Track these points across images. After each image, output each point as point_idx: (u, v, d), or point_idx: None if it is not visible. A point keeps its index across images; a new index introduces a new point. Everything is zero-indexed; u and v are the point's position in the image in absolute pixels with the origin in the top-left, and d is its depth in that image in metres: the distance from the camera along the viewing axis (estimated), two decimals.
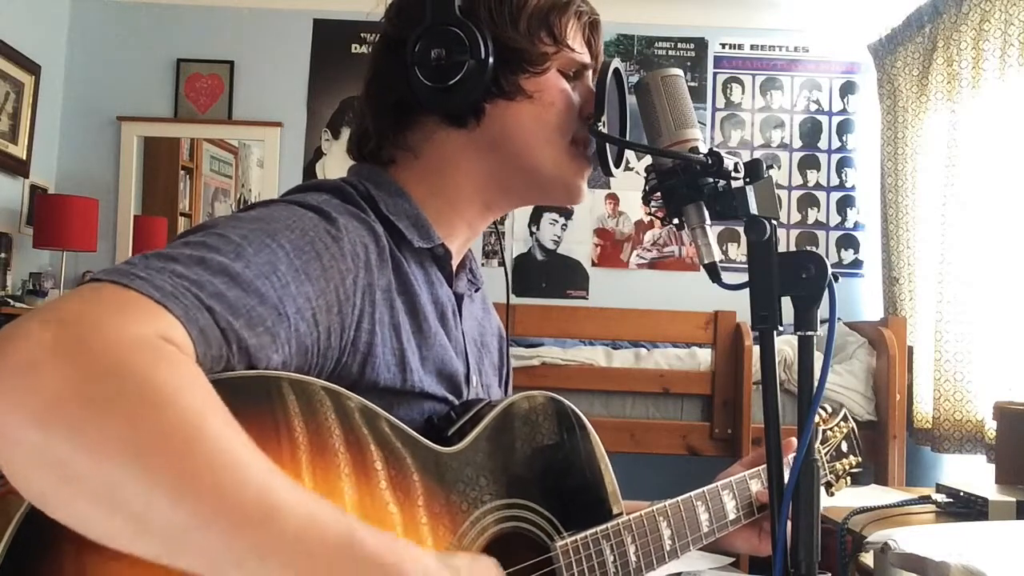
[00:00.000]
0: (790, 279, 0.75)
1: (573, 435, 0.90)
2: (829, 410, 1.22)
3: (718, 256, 0.80)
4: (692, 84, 3.92)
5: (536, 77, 0.87)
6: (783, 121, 3.96)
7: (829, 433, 1.21)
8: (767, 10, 3.87)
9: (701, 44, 3.98)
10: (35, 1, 3.72)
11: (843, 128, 3.94)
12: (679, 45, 3.98)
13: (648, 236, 3.92)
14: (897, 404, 2.85)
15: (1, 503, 0.54)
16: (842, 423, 1.23)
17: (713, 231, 0.80)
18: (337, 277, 0.73)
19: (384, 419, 0.73)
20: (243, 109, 3.94)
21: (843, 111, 3.95)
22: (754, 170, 0.78)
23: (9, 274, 3.51)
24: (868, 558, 1.67)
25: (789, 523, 0.73)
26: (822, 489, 1.18)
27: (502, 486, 0.81)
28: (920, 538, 1.42)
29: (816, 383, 0.73)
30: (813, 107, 3.95)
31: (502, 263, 1.72)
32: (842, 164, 3.93)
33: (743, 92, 3.97)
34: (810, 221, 3.90)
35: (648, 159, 0.85)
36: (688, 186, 0.80)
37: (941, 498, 1.92)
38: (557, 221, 3.92)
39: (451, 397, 0.85)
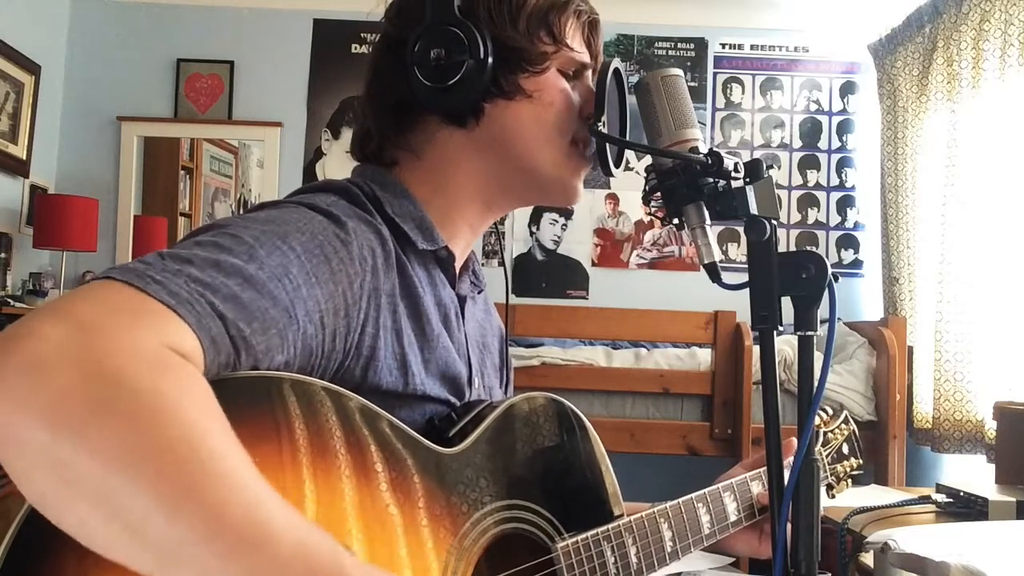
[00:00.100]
0: (790, 279, 0.75)
1: (574, 436, 0.90)
2: (830, 412, 1.22)
3: (718, 256, 0.80)
4: (692, 84, 3.92)
5: (535, 76, 0.87)
6: (783, 121, 3.96)
7: (830, 435, 1.21)
8: (767, 10, 3.87)
9: (701, 44, 3.98)
10: (35, 1, 3.72)
11: (843, 128, 3.94)
12: (679, 45, 3.98)
13: (648, 236, 3.92)
14: (897, 404, 2.85)
15: (1, 505, 0.54)
16: (843, 425, 1.23)
17: (713, 231, 0.80)
18: (345, 281, 0.73)
19: (385, 420, 0.73)
20: (243, 109, 3.94)
21: (843, 111, 3.95)
22: (754, 170, 0.78)
23: (9, 274, 3.51)
24: (868, 558, 1.67)
25: (789, 524, 0.73)
26: (823, 490, 1.18)
27: (503, 487, 0.81)
28: (920, 538, 1.42)
29: (816, 383, 0.73)
30: (813, 107, 3.95)
31: (502, 263, 1.72)
32: (842, 164, 3.93)
33: (743, 92, 3.97)
34: (810, 221, 3.90)
35: (648, 159, 0.85)
36: (688, 186, 0.79)
37: (941, 498, 1.92)
38: (557, 221, 3.92)
39: (453, 399, 0.86)
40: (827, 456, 1.20)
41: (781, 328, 0.75)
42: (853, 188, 3.92)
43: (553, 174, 0.90)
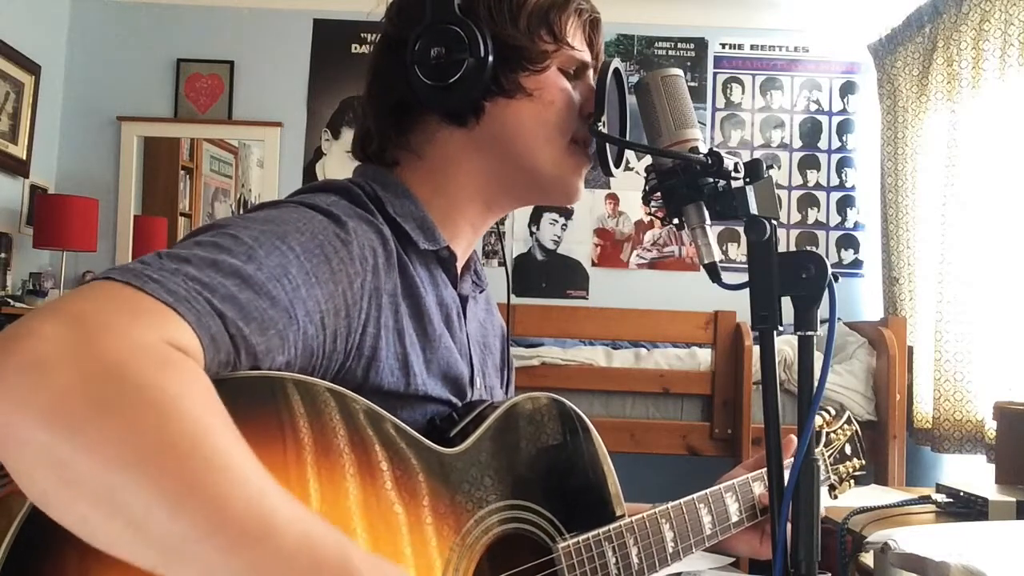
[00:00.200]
0: (790, 279, 0.75)
1: (576, 437, 0.90)
2: (833, 412, 1.22)
3: (718, 256, 0.80)
4: (692, 84, 3.92)
5: (536, 75, 0.87)
6: (783, 121, 3.96)
7: (833, 436, 1.20)
8: (767, 10, 3.87)
9: (701, 44, 3.98)
10: (35, 1, 3.72)
11: (843, 128, 3.94)
12: (679, 45, 3.98)
13: (648, 236, 3.92)
14: (897, 404, 2.85)
15: (3, 504, 0.54)
16: (846, 426, 1.22)
17: (713, 231, 0.80)
18: (345, 281, 0.73)
19: (388, 420, 0.73)
20: (243, 109, 3.94)
21: (843, 111, 3.95)
22: (754, 170, 0.78)
23: (9, 274, 3.51)
24: (868, 558, 1.67)
25: (789, 524, 0.73)
26: (825, 491, 1.18)
27: (504, 487, 0.81)
28: (920, 538, 1.42)
29: (816, 383, 0.73)
30: (813, 107, 3.95)
31: (502, 263, 1.72)
32: (842, 164, 3.93)
33: (743, 92, 3.97)
34: (810, 221, 3.90)
35: (648, 159, 0.85)
36: (688, 186, 0.79)
37: (941, 498, 1.92)
38: (557, 221, 3.92)
39: (455, 399, 0.86)
40: (830, 456, 1.19)
41: (781, 328, 0.75)
42: (853, 188, 3.92)
43: (554, 173, 0.90)
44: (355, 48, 3.94)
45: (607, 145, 0.88)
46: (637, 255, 3.92)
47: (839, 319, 2.20)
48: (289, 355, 0.67)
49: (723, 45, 3.98)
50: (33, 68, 3.60)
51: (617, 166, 0.91)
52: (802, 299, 0.75)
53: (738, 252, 3.84)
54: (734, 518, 1.04)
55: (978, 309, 2.75)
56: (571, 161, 0.90)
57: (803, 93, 3.96)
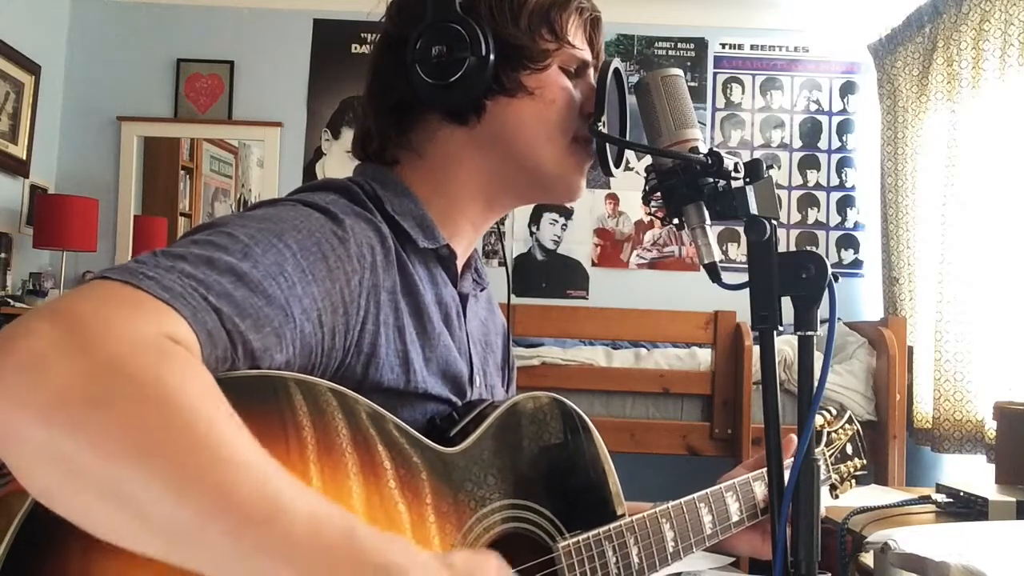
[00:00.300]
0: (790, 279, 0.75)
1: (576, 436, 0.90)
2: (834, 412, 1.22)
3: (718, 256, 0.80)
4: (692, 84, 3.92)
5: (537, 74, 0.87)
6: (783, 121, 3.96)
7: (834, 435, 1.20)
8: (767, 10, 3.87)
9: (701, 44, 3.98)
10: (35, 1, 3.72)
11: (843, 128, 3.94)
12: (679, 45, 3.98)
13: (648, 236, 3.93)
14: (897, 404, 2.85)
15: (3, 502, 0.54)
16: (847, 425, 1.22)
17: (713, 231, 0.80)
18: (343, 278, 0.73)
19: (390, 420, 0.73)
20: (243, 109, 3.94)
21: (843, 111, 3.95)
22: (754, 170, 0.78)
23: (9, 274, 3.51)
24: (868, 558, 1.67)
25: (789, 524, 0.73)
26: (826, 491, 1.18)
27: (505, 486, 0.81)
28: (920, 538, 1.42)
29: (816, 383, 0.73)
30: (813, 107, 3.96)
31: (502, 263, 1.72)
32: (842, 164, 3.93)
33: (743, 92, 3.97)
34: (810, 221, 3.91)
35: (648, 159, 0.85)
36: (688, 186, 0.80)
37: (941, 498, 1.92)
38: (557, 221, 3.92)
39: (454, 398, 0.86)
40: (831, 456, 1.19)
41: (781, 328, 0.75)
42: (853, 188, 3.92)
43: (555, 171, 0.90)
44: (355, 48, 3.94)
45: (607, 145, 0.88)
46: (637, 255, 3.92)
47: (839, 319, 2.20)
48: (288, 353, 0.67)
49: (723, 45, 3.98)
50: (33, 68, 3.60)
51: (617, 166, 0.91)
52: (802, 299, 0.75)
53: (738, 252, 3.84)
54: (734, 518, 1.04)
55: (978, 309, 2.75)
56: (572, 159, 0.90)
57: (803, 93, 3.96)
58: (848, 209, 3.91)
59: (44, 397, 0.50)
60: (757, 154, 3.90)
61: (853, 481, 1.23)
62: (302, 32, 3.95)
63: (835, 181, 3.92)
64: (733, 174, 0.78)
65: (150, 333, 0.55)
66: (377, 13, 0.94)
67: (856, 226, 3.90)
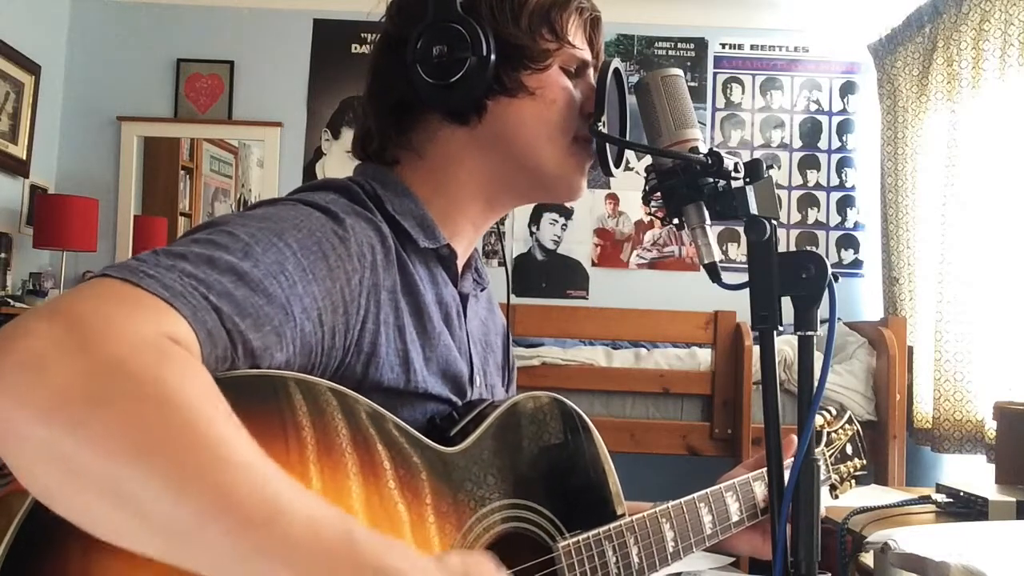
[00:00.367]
0: (790, 279, 0.75)
1: (577, 436, 0.90)
2: (834, 412, 1.21)
3: (718, 256, 0.80)
4: (692, 84, 3.92)
5: (538, 74, 0.87)
6: (783, 121, 3.96)
7: (834, 435, 1.20)
8: (767, 10, 3.87)
9: (701, 44, 3.98)
10: (35, 1, 3.72)
11: (843, 128, 3.94)
12: (679, 45, 3.98)
13: (648, 236, 3.92)
14: (897, 404, 2.85)
15: (3, 502, 0.54)
16: (847, 425, 1.22)
17: (713, 231, 0.80)
18: (343, 278, 0.73)
19: (390, 420, 0.73)
20: (243, 109, 3.94)
21: (843, 111, 3.95)
22: (754, 170, 0.78)
23: (9, 274, 3.51)
24: (868, 558, 1.67)
25: (789, 524, 0.73)
26: (826, 491, 1.18)
27: (505, 486, 0.81)
28: (920, 538, 1.42)
29: (816, 383, 0.73)
30: (813, 107, 3.96)
31: (502, 263, 1.72)
32: (842, 164, 3.93)
33: (743, 92, 3.97)
34: (810, 221, 3.91)
35: (648, 159, 0.85)
36: (688, 186, 0.80)
37: (941, 498, 1.92)
38: (557, 221, 3.92)
39: (455, 398, 0.86)
40: (831, 456, 1.19)
41: (781, 328, 0.75)
42: (853, 188, 3.92)
43: (556, 171, 0.90)
44: (355, 48, 3.94)
45: (607, 145, 0.88)
46: (637, 255, 3.92)
47: (839, 319, 2.20)
48: (287, 352, 0.67)
49: (723, 45, 3.98)
50: (33, 68, 3.60)
51: (617, 166, 0.91)
52: (802, 299, 0.75)
53: (738, 252, 3.84)
54: (734, 518, 1.04)
55: (978, 309, 2.75)
56: (573, 159, 0.90)
57: (803, 93, 3.96)
58: (848, 209, 3.91)
59: (44, 396, 0.50)
60: (757, 154, 3.90)
61: (853, 481, 1.23)
62: (302, 32, 3.95)
63: (835, 181, 3.92)
64: (733, 174, 0.78)
65: (150, 332, 0.55)
66: (377, 13, 0.94)
67: (856, 226, 3.90)
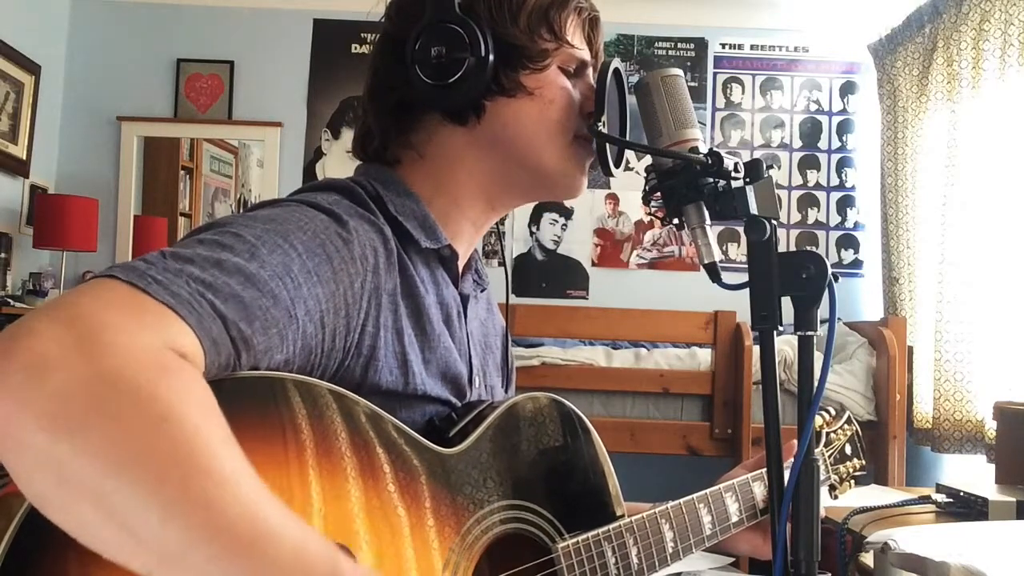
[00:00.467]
0: (790, 279, 0.75)
1: (576, 437, 0.90)
2: (833, 412, 1.22)
3: (718, 256, 0.80)
4: (692, 84, 3.92)
5: (536, 74, 0.87)
6: (783, 121, 3.96)
7: (833, 436, 1.20)
8: (767, 10, 3.87)
9: (701, 44, 3.98)
10: (35, 1, 3.72)
11: (843, 128, 3.94)
12: (679, 45, 3.98)
13: (648, 236, 3.92)
14: (897, 404, 2.85)
15: (2, 503, 0.54)
16: (846, 426, 1.22)
17: (713, 231, 0.80)
18: (346, 280, 0.73)
19: (389, 421, 0.73)
20: (243, 109, 3.94)
21: (843, 111, 3.95)
22: (754, 170, 0.78)
23: (9, 274, 3.51)
24: (868, 558, 1.67)
25: (789, 524, 0.73)
26: (825, 491, 1.18)
27: (504, 488, 0.81)
28: (920, 538, 1.42)
29: (816, 383, 0.73)
30: (813, 107, 3.95)
31: (502, 263, 1.72)
32: (842, 164, 3.93)
33: (743, 92, 3.97)
34: (810, 221, 3.90)
35: (648, 159, 0.85)
36: (688, 186, 0.80)
37: (941, 498, 1.92)
38: (557, 221, 3.92)
39: (454, 399, 0.86)
40: (830, 457, 1.19)
41: (781, 328, 0.75)
42: (853, 188, 3.92)
43: (556, 169, 0.90)
44: (355, 48, 3.94)
45: (607, 145, 0.88)
46: (637, 255, 3.92)
47: (839, 319, 2.20)
48: (288, 353, 0.67)
49: (723, 45, 3.98)
50: (33, 68, 3.60)
51: (617, 166, 0.91)
52: (802, 299, 0.75)
53: (738, 252, 3.84)
54: (734, 518, 1.04)
55: (978, 309, 2.75)
56: (573, 158, 0.90)
57: (803, 93, 3.96)
58: (848, 209, 3.91)
59: (45, 400, 0.50)
60: (757, 154, 3.90)
61: (852, 481, 1.23)
62: (302, 32, 3.95)
63: (835, 181, 3.92)
64: (733, 174, 0.78)
65: (153, 344, 0.55)
66: (377, 13, 0.94)
67: (856, 226, 3.90)
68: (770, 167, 3.77)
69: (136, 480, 0.50)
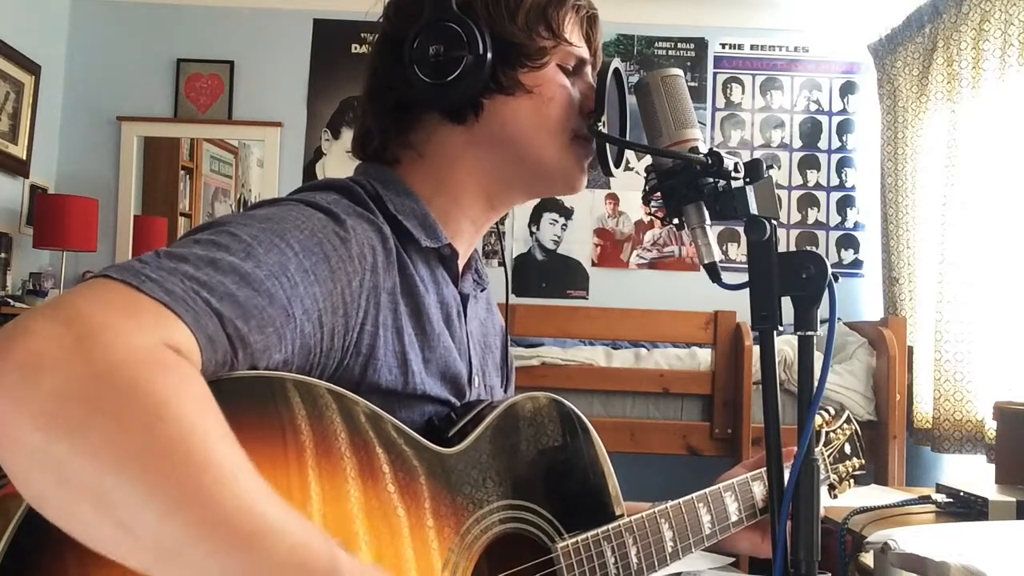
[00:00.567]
0: (790, 279, 0.75)
1: (575, 437, 0.90)
2: (832, 412, 1.22)
3: (718, 256, 0.80)
4: (692, 84, 3.92)
5: (535, 72, 0.87)
6: (783, 121, 3.96)
7: (832, 435, 1.20)
8: (767, 10, 3.87)
9: (701, 44, 3.98)
10: (35, 1, 3.72)
11: (843, 128, 3.94)
12: (679, 45, 3.98)
13: (648, 236, 3.92)
14: (897, 404, 2.85)
15: (1, 503, 0.54)
16: (845, 425, 1.22)
17: (713, 231, 0.80)
18: (344, 279, 0.73)
19: (388, 421, 0.73)
20: (243, 109, 3.94)
21: (843, 111, 3.95)
22: (754, 170, 0.78)
23: (9, 274, 3.51)
24: (868, 558, 1.67)
25: (789, 523, 0.73)
26: (825, 491, 1.18)
27: (504, 487, 0.81)
28: (920, 538, 1.42)
29: (816, 383, 0.73)
30: (813, 107, 3.95)
31: (502, 263, 1.72)
32: (842, 164, 3.93)
33: (743, 92, 3.97)
34: (810, 221, 3.90)
35: (648, 159, 0.85)
36: (688, 186, 0.80)
37: (941, 498, 1.92)
38: (557, 221, 3.92)
39: (453, 399, 0.85)
40: (829, 456, 1.19)
41: (781, 328, 0.75)
42: (853, 188, 3.92)
43: (556, 167, 0.90)
44: (355, 48, 3.94)
45: (607, 145, 0.88)
46: (637, 255, 3.92)
47: (839, 319, 2.20)
48: (286, 352, 0.67)
49: (723, 45, 3.98)
50: (33, 68, 3.60)
51: (617, 166, 0.91)
52: (802, 299, 0.75)
53: (738, 252, 3.84)
54: (733, 518, 1.04)
55: (978, 309, 2.75)
56: (573, 155, 0.90)
57: (803, 93, 3.96)
58: (848, 209, 3.91)
59: (42, 399, 0.50)
60: (757, 154, 3.90)
61: (852, 481, 1.23)
62: (302, 32, 3.95)
63: (835, 181, 3.92)
64: (733, 174, 0.78)
65: (149, 341, 0.55)
66: (376, 13, 0.94)
67: (856, 226, 3.90)
68: (770, 167, 3.77)
69: (135, 477, 0.50)
